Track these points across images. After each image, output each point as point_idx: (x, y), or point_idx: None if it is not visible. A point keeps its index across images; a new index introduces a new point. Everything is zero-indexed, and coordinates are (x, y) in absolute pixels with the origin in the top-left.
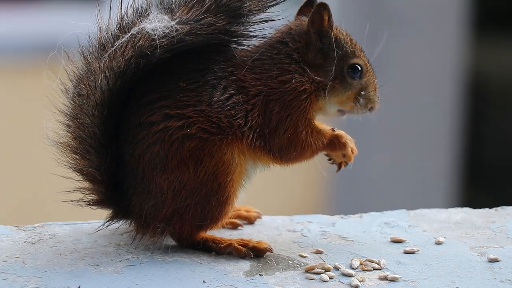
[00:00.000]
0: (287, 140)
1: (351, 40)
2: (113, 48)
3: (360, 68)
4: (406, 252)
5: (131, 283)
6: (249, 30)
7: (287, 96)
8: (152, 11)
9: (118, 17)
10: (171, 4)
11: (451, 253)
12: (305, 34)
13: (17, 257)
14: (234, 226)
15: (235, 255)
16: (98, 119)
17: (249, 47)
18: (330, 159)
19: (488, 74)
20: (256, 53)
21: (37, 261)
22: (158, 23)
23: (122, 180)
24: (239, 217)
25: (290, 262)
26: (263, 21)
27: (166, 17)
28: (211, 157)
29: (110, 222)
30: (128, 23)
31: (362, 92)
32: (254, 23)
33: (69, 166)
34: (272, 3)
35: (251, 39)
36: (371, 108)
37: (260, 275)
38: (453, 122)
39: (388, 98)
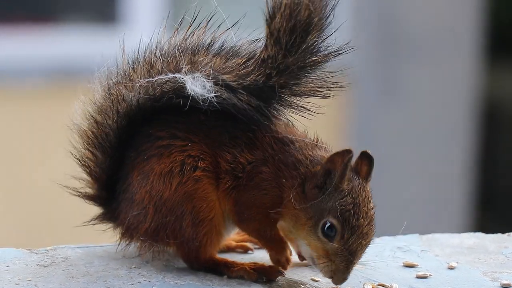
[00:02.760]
0: (250, 202)
1: (355, 203)
2: (153, 79)
3: (335, 232)
4: (418, 277)
5: None
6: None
7: (281, 179)
8: (202, 69)
9: (177, 41)
10: (223, 57)
11: (463, 278)
12: (319, 166)
13: (29, 280)
14: (245, 250)
15: (246, 279)
16: (116, 125)
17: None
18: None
19: (502, 101)
20: (291, 138)
21: (49, 284)
22: (197, 88)
23: (116, 183)
24: (251, 240)
25: (302, 286)
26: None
27: (207, 84)
28: (194, 181)
29: (97, 221)
30: (180, 61)
31: (330, 258)
32: (281, 114)
33: (74, 152)
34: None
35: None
36: (331, 279)
37: None
38: (467, 148)
39: (401, 123)
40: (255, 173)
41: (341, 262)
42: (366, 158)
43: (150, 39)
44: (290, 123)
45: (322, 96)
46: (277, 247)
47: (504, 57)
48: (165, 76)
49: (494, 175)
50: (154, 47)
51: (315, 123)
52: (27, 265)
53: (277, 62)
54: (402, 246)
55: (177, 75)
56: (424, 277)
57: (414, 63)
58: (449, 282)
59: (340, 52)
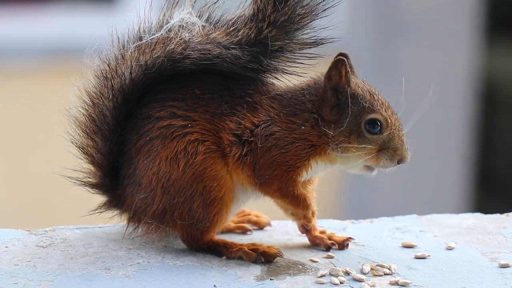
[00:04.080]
0: (269, 162)
1: (371, 94)
2: (142, 41)
3: (379, 123)
4: (417, 257)
5: (142, 287)
6: (271, 71)
7: (294, 134)
8: (190, 11)
9: (160, 13)
10: (216, 21)
11: (462, 259)
12: (322, 89)
13: (28, 261)
14: (244, 231)
15: (245, 260)
16: (112, 104)
17: (278, 85)
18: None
19: (500, 81)
20: (280, 91)
21: (48, 265)
22: (183, 14)
23: (120, 169)
24: (249, 222)
25: (301, 267)
26: (283, 70)
27: (196, 19)
28: (202, 161)
29: (103, 209)
30: (166, 21)
31: (387, 147)
32: (277, 68)
33: (74, 141)
34: (298, 48)
35: (272, 77)
36: (400, 161)
37: (270, 279)
38: (465, 128)
39: (398, 103)
40: (268, 135)
41: (397, 142)
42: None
43: (141, 17)
44: (274, 83)
45: (315, 45)
46: (302, 203)
47: (502, 37)
48: (154, 36)
49: (492, 156)
50: (144, 23)
51: None
52: (26, 246)
53: (267, 14)
54: (401, 226)
55: (164, 27)
56: (422, 257)
57: (412, 43)
58: (448, 262)
59: (329, 5)
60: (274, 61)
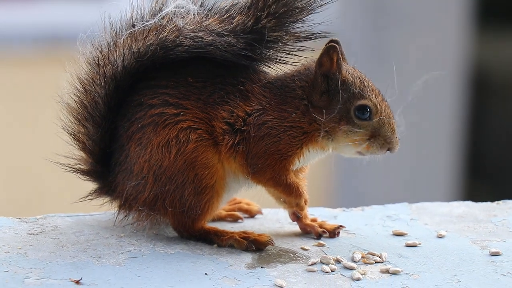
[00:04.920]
0: (262, 151)
1: (361, 80)
2: (135, 28)
3: (368, 109)
4: (408, 246)
5: (133, 275)
6: (264, 61)
7: (286, 123)
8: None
9: (153, 0)
10: (210, 9)
11: (452, 247)
12: (313, 76)
13: (19, 249)
14: (235, 219)
15: (236, 248)
16: (104, 91)
17: (269, 73)
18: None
19: (490, 67)
20: (271, 79)
21: (39, 253)
22: (181, 2)
23: (111, 156)
24: (240, 210)
25: (292, 255)
26: (275, 60)
27: (191, 5)
28: (194, 149)
29: (94, 196)
30: (159, 8)
31: (377, 133)
32: (271, 57)
33: (65, 128)
34: (292, 41)
35: (264, 66)
36: (390, 149)
37: (262, 267)
38: (456, 115)
39: (389, 90)
40: (261, 124)
41: (387, 129)
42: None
43: (134, 4)
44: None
45: (310, 39)
46: (295, 191)
47: (492, 24)
48: (147, 23)
49: (483, 143)
50: (137, 10)
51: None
52: (17, 233)
53: (268, 4)
54: (392, 215)
55: (157, 15)
56: (413, 245)
57: (403, 30)
58: (438, 250)
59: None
60: (268, 51)
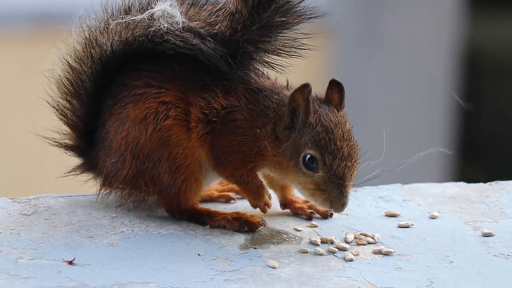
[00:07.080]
0: (226, 146)
1: (326, 131)
2: (124, 20)
3: (315, 161)
4: (400, 226)
5: (126, 256)
6: (242, 70)
7: (252, 130)
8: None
9: None
10: (201, 6)
11: (445, 228)
12: (285, 107)
13: (12, 229)
14: (227, 199)
15: (228, 229)
16: (90, 71)
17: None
18: None
19: (484, 48)
20: (262, 86)
21: (32, 233)
22: (164, 5)
23: (95, 132)
24: (233, 190)
25: (285, 236)
26: (253, 69)
27: (178, 12)
28: (170, 126)
29: (77, 172)
30: (148, 5)
31: (323, 188)
32: (247, 67)
33: (50, 103)
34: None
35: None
36: (332, 208)
37: (254, 248)
38: (448, 96)
39: (382, 71)
40: (230, 120)
41: (333, 188)
42: (336, 86)
43: None
44: (261, 73)
45: (290, 56)
46: (254, 192)
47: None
48: (135, 17)
49: (475, 124)
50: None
51: (295, 70)
52: (9, 214)
53: (243, 18)
54: (384, 196)
55: (146, 12)
56: (406, 226)
57: (396, 10)
58: (431, 231)
59: (312, 16)
60: (245, 61)
